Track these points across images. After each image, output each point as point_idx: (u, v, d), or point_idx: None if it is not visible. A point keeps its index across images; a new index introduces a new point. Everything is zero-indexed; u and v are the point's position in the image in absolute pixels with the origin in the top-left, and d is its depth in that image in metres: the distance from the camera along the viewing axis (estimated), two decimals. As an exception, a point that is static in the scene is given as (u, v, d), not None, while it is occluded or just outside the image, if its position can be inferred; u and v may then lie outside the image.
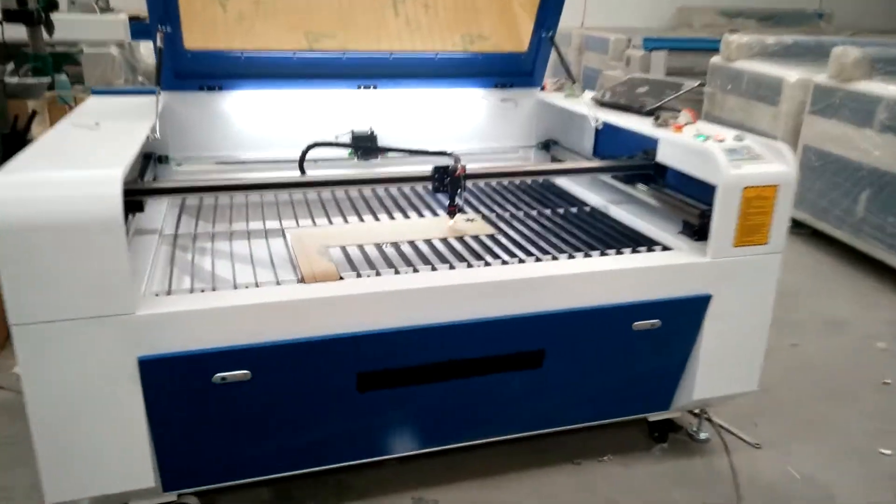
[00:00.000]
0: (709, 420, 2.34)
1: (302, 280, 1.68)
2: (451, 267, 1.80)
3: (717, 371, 2.03)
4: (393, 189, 2.45)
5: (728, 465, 2.20)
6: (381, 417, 1.85)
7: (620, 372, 2.00)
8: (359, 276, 1.72)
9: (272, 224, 2.14)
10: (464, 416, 1.95)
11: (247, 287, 1.65)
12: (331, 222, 2.16)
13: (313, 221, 2.16)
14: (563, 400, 2.01)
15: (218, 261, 1.84)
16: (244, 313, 1.55)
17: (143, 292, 1.56)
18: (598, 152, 2.59)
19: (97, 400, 1.52)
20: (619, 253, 1.92)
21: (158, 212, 2.09)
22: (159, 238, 1.91)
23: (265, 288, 1.64)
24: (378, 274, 1.73)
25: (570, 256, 1.89)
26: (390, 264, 1.80)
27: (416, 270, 1.77)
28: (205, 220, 2.16)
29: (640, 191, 2.23)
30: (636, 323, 1.87)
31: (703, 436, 2.29)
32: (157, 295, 1.58)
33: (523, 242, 2.00)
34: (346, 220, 2.18)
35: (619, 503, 2.02)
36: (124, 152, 1.62)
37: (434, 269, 1.78)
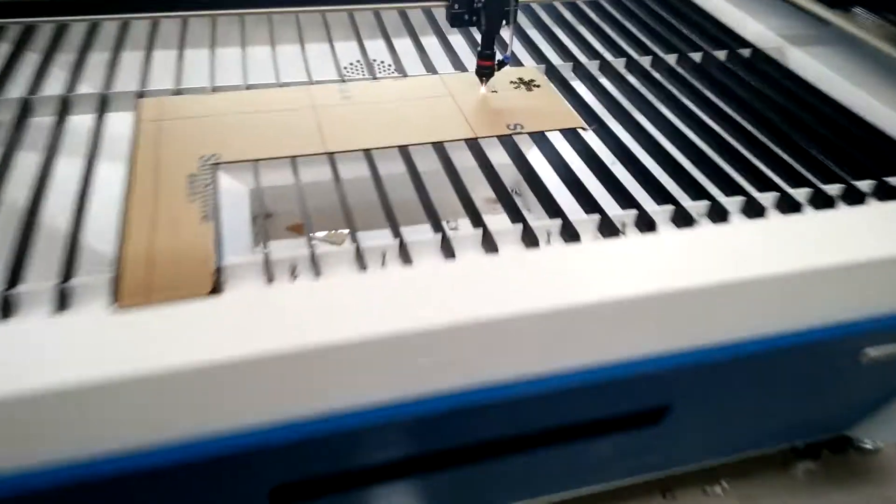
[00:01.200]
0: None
1: (118, 300, 0.68)
2: (490, 246, 0.78)
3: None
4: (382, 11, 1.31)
5: (911, 496, 1.38)
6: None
7: (792, 410, 1.08)
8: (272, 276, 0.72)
9: (127, 76, 1.07)
10: (517, 483, 1.08)
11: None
12: (246, 81, 1.07)
13: (211, 74, 1.08)
14: (682, 450, 1.12)
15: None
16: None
17: None
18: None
19: None
20: (850, 197, 0.88)
21: None
22: None
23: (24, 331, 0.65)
24: (317, 272, 0.73)
25: (748, 201, 0.85)
26: (348, 219, 0.78)
27: (406, 260, 0.75)
28: (28, 57, 1.09)
29: (857, 22, 1.12)
30: (867, 352, 0.90)
31: (870, 444, 1.43)
32: None
33: (637, 151, 0.94)
34: (276, 73, 1.09)
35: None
36: None
37: (450, 253, 0.77)
